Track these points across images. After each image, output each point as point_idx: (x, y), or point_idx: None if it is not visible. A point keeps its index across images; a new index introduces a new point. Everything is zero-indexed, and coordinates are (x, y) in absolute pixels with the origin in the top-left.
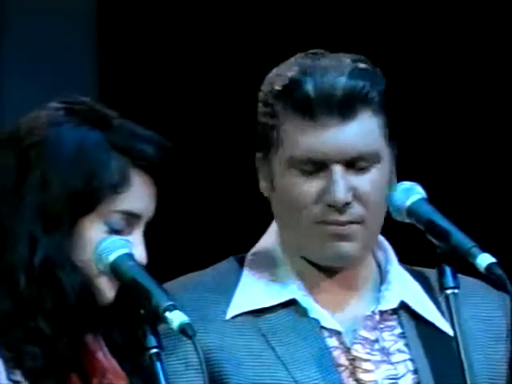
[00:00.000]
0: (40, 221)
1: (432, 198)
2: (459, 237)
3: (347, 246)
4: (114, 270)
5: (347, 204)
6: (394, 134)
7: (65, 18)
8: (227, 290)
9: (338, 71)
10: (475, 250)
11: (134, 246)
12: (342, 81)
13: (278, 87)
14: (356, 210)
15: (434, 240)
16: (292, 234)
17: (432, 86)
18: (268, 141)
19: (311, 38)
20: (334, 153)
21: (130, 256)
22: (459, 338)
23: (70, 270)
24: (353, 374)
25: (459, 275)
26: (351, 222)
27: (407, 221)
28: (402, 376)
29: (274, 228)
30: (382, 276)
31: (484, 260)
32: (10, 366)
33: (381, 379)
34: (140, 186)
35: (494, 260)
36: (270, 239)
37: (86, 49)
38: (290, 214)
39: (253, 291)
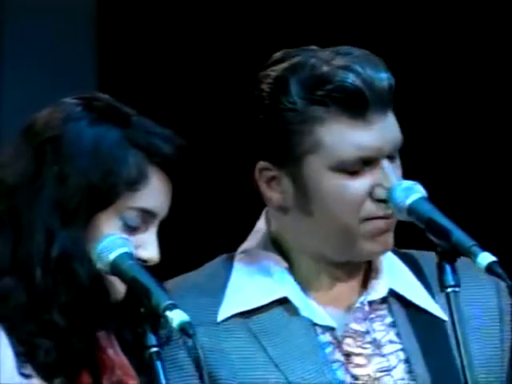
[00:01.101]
0: (57, 214)
1: (432, 197)
2: (459, 235)
3: (391, 238)
4: (114, 269)
5: None
6: None
7: (65, 16)
8: (218, 291)
9: (374, 66)
10: (476, 248)
11: (148, 244)
12: (384, 75)
13: (317, 91)
14: None
15: (434, 238)
16: (334, 238)
17: (432, 86)
18: (294, 147)
19: (312, 35)
20: (382, 147)
21: (129, 255)
22: (460, 338)
23: (86, 264)
24: (347, 369)
25: (463, 258)
26: (391, 215)
27: (407, 219)
28: (394, 367)
29: (262, 224)
30: (371, 264)
31: (484, 259)
32: (22, 360)
33: (373, 372)
34: (157, 184)
35: (494, 259)
36: (259, 235)
37: (86, 47)
38: (334, 216)
39: (243, 291)
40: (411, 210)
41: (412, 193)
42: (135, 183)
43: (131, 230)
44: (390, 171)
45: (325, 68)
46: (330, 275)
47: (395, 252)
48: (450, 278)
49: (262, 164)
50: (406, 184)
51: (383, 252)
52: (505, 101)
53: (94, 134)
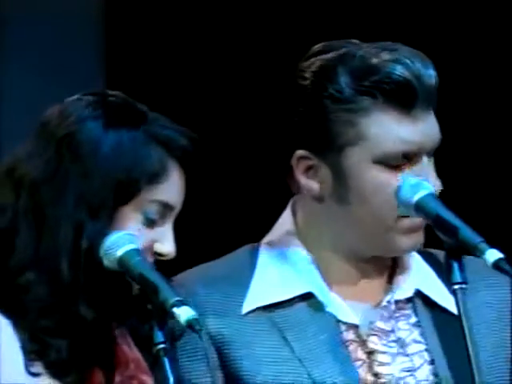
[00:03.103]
0: (84, 208)
1: (439, 193)
2: (467, 232)
3: (422, 235)
4: (122, 266)
5: None
6: None
7: (72, 16)
8: (243, 282)
9: (422, 61)
10: (483, 245)
11: (165, 238)
12: (432, 72)
13: (366, 82)
14: None
15: (441, 235)
16: (369, 230)
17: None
18: (336, 137)
19: (317, 33)
20: (424, 143)
21: (137, 251)
22: (467, 334)
23: None
24: (370, 367)
25: (474, 258)
26: None
27: (415, 216)
28: (419, 367)
29: (287, 216)
30: (397, 262)
31: (492, 255)
32: (31, 359)
33: (397, 372)
34: (176, 178)
35: (501, 255)
36: (284, 227)
37: (93, 47)
38: (372, 209)
39: (268, 284)
40: (419, 206)
41: (419, 189)
42: (157, 176)
43: (150, 223)
44: (429, 169)
45: (374, 60)
46: (357, 270)
47: (419, 251)
48: (457, 275)
49: (300, 153)
50: (413, 180)
51: (415, 248)
52: (507, 96)
53: (115, 130)
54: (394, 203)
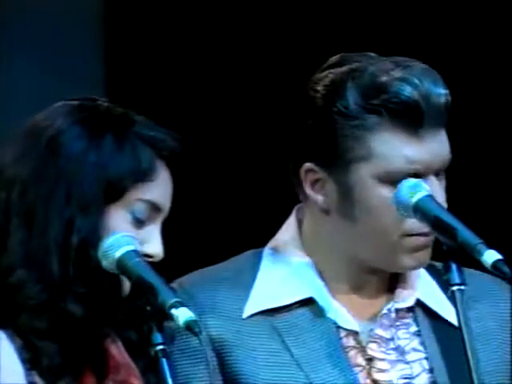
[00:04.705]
0: (74, 205)
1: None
2: (466, 233)
3: (428, 254)
4: (120, 267)
5: None
6: None
7: (72, 16)
8: (245, 286)
9: (432, 80)
10: (482, 246)
11: (152, 239)
12: (442, 91)
13: (374, 100)
14: None
15: (440, 237)
16: (372, 246)
17: None
18: (344, 153)
19: (317, 38)
20: (431, 163)
21: (135, 252)
22: (465, 335)
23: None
24: (369, 374)
25: (477, 272)
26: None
27: (413, 218)
28: (417, 375)
29: (292, 223)
30: (399, 272)
31: (490, 257)
32: (28, 368)
33: (396, 379)
34: (164, 179)
35: (500, 257)
36: (288, 234)
37: (93, 47)
38: (376, 227)
39: (270, 288)
40: (417, 208)
41: (418, 191)
42: (144, 176)
43: (138, 223)
44: (437, 188)
45: (384, 78)
46: (359, 279)
47: None
48: (455, 277)
49: (308, 165)
50: (411, 182)
51: (419, 267)
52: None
53: (102, 132)
54: (398, 222)
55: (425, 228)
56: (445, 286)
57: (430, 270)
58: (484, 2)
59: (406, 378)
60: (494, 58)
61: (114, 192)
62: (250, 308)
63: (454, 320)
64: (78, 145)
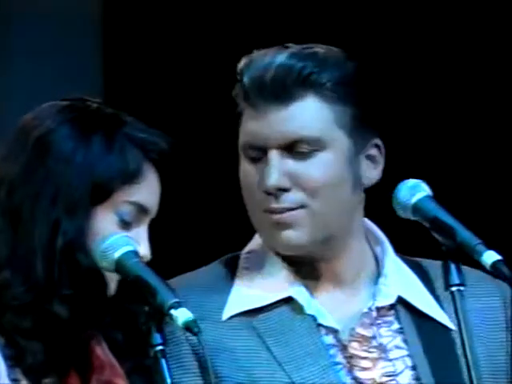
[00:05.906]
0: (60, 206)
1: (437, 196)
2: (465, 234)
3: (291, 234)
4: (119, 267)
5: (284, 190)
6: (375, 127)
7: (71, 17)
8: (223, 289)
9: (276, 55)
10: (481, 247)
11: (140, 241)
12: (276, 62)
13: (237, 86)
14: (295, 196)
15: (439, 237)
16: (255, 225)
17: (435, 85)
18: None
19: (311, 35)
20: (270, 137)
21: (134, 253)
22: (465, 336)
23: (88, 255)
24: (350, 371)
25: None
26: (291, 209)
27: (412, 218)
28: (400, 373)
29: None
30: (379, 269)
31: (490, 257)
32: (11, 365)
33: (378, 376)
34: (151, 181)
35: (499, 257)
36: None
37: (91, 48)
38: (246, 202)
39: (249, 290)
40: (416, 208)
41: (417, 191)
42: (131, 177)
43: (125, 225)
44: (271, 164)
45: (252, 64)
46: (334, 279)
47: (404, 259)
48: (454, 277)
49: None
50: (411, 183)
51: (287, 249)
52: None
53: (90, 132)
54: (252, 197)
55: (275, 204)
56: (429, 282)
57: (413, 265)
58: (484, 2)
59: (389, 376)
60: (494, 58)
61: (101, 193)
62: (229, 310)
63: (437, 316)
64: (67, 145)
